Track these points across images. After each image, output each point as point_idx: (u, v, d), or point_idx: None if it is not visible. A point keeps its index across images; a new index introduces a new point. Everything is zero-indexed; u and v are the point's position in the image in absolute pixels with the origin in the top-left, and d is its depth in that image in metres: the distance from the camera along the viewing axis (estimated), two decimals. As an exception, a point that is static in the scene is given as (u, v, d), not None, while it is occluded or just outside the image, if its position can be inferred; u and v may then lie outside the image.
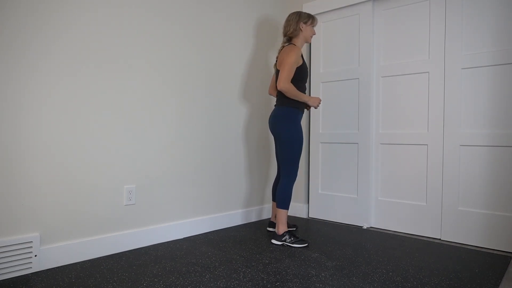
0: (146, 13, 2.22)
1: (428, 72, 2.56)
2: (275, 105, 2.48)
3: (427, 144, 2.57)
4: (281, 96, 2.42)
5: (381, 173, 2.80)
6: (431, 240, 2.48)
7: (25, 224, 1.74)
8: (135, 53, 2.16)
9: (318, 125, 3.13)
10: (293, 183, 2.39)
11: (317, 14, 3.10)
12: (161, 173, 2.32)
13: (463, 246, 2.35)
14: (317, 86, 3.13)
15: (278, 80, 2.30)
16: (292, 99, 2.36)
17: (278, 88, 2.30)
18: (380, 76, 2.81)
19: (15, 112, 1.70)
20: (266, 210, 3.13)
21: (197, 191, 2.55)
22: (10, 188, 1.69)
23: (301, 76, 2.38)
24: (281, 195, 2.35)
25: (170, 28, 2.35)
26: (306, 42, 2.51)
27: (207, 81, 2.60)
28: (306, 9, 3.13)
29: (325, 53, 3.10)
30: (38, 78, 1.77)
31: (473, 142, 2.36)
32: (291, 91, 2.29)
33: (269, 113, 3.15)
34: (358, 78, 2.89)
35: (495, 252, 2.24)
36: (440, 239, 2.51)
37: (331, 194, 3.04)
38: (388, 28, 2.77)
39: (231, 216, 2.79)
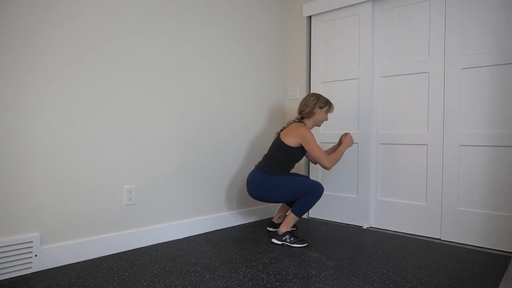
0: (145, 12, 2.21)
1: (428, 72, 2.57)
2: (258, 168, 2.42)
3: (427, 144, 2.57)
4: (268, 162, 2.40)
5: (381, 173, 2.80)
6: (431, 240, 2.48)
7: (25, 224, 1.74)
8: (135, 53, 2.16)
9: (317, 126, 3.12)
10: (320, 198, 2.34)
11: (317, 14, 3.10)
12: (161, 173, 2.32)
13: (463, 246, 2.35)
14: (317, 86, 3.13)
15: (321, 164, 2.35)
16: (278, 170, 2.38)
17: (328, 169, 2.38)
18: (380, 76, 2.81)
19: (15, 112, 1.70)
20: (266, 210, 3.13)
21: (197, 191, 2.55)
22: (10, 188, 1.69)
23: (297, 156, 2.43)
24: (303, 204, 2.30)
25: (170, 28, 2.35)
26: (316, 125, 2.55)
27: (207, 81, 2.60)
28: (306, 9, 3.13)
29: (325, 53, 3.10)
30: (37, 78, 1.77)
31: (473, 142, 2.36)
32: (335, 160, 2.38)
33: (269, 113, 3.15)
34: (358, 78, 2.89)
35: (495, 252, 2.24)
36: (440, 239, 2.51)
37: (331, 194, 3.04)
38: (388, 28, 2.77)
39: (231, 216, 2.80)
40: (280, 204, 2.65)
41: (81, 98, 1.93)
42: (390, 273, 1.81)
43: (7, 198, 1.68)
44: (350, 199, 2.92)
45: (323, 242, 2.37)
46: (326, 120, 2.55)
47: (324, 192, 3.08)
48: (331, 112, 2.57)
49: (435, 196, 2.52)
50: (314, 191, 2.30)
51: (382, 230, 2.74)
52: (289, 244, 2.26)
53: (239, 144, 2.87)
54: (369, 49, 2.83)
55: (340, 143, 2.56)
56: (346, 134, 2.53)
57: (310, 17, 3.20)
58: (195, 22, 2.50)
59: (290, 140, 2.37)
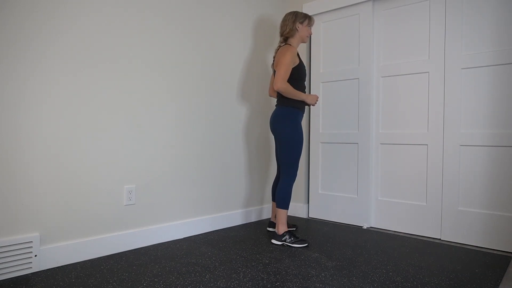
0: (146, 13, 2.21)
1: (428, 72, 2.56)
2: (275, 105, 2.49)
3: (427, 144, 2.57)
4: (280, 96, 2.43)
5: (381, 173, 2.80)
6: (431, 240, 2.48)
7: (25, 224, 1.74)
8: (135, 53, 2.16)
9: (318, 125, 3.13)
10: (293, 183, 2.39)
11: (317, 14, 3.10)
12: (161, 173, 2.32)
13: (463, 246, 2.35)
14: (317, 86, 3.13)
15: (274, 80, 2.30)
16: (292, 99, 2.37)
17: (275, 88, 2.30)
18: (380, 76, 2.81)
19: (15, 112, 1.70)
20: (266, 210, 3.13)
21: (197, 191, 2.55)
22: (10, 188, 1.69)
23: (299, 76, 2.39)
24: (281, 195, 2.35)
25: (170, 28, 2.35)
26: (302, 42, 2.51)
27: (207, 81, 2.60)
28: (306, 9, 3.13)
29: (325, 53, 3.10)
30: (38, 78, 1.77)
31: (473, 142, 2.36)
32: (288, 90, 2.29)
33: (269, 113, 3.15)
34: (358, 78, 2.89)
35: (495, 252, 2.24)
36: (440, 239, 2.51)
37: (331, 194, 3.04)
38: (388, 28, 2.77)
39: (231, 216, 2.79)
40: (274, 203, 2.65)
41: (81, 98, 1.93)
42: (390, 273, 1.81)
43: (7, 198, 1.68)
44: (350, 199, 2.92)
45: (323, 242, 2.37)
46: (311, 33, 2.51)
47: (324, 192, 3.09)
48: (312, 25, 2.52)
49: (435, 196, 2.52)
50: (291, 174, 2.35)
51: (382, 230, 2.74)
52: (289, 244, 2.26)
53: (239, 144, 2.87)
54: (369, 49, 2.82)
55: None
56: (313, 94, 2.47)
57: (310, 17, 3.20)
58: (193, 22, 2.50)
59: None
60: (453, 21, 2.45)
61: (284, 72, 2.28)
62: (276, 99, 2.50)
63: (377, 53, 2.83)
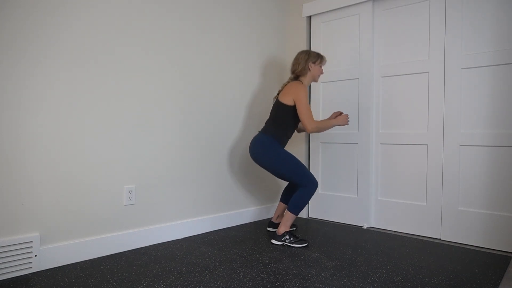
0: (146, 13, 2.22)
1: (428, 72, 2.57)
2: (260, 131, 2.46)
3: (427, 144, 2.57)
4: (270, 125, 2.42)
5: (381, 173, 2.80)
6: (431, 240, 2.48)
7: (25, 224, 1.74)
8: (135, 54, 2.16)
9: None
10: (313, 193, 2.33)
11: (317, 14, 3.10)
12: (161, 173, 2.32)
13: (463, 246, 2.35)
14: (317, 86, 3.13)
15: (302, 122, 2.32)
16: (281, 132, 2.38)
17: (308, 131, 2.33)
18: (380, 76, 2.81)
19: (15, 112, 1.70)
20: (266, 210, 3.13)
21: (197, 191, 2.55)
22: (10, 188, 1.69)
23: (296, 116, 2.41)
24: (297, 201, 2.31)
25: (171, 28, 2.35)
26: (314, 81, 2.54)
27: (207, 81, 2.60)
28: (306, 9, 3.13)
29: (325, 53, 3.10)
30: (38, 78, 1.77)
31: (473, 142, 2.36)
32: (320, 127, 2.34)
33: (268, 112, 3.14)
34: (358, 78, 2.89)
35: (495, 252, 2.24)
36: (440, 239, 2.51)
37: (331, 194, 3.04)
38: (388, 28, 2.77)
39: (231, 216, 2.80)
40: (277, 204, 2.66)
41: (81, 99, 1.93)
42: (390, 273, 1.81)
43: (7, 198, 1.68)
44: (350, 199, 2.92)
45: (323, 242, 2.36)
46: (322, 73, 2.54)
47: (324, 192, 3.09)
48: (324, 64, 2.55)
49: (435, 196, 2.52)
50: (309, 184, 2.30)
51: (382, 230, 2.74)
52: (289, 244, 2.26)
53: (239, 145, 2.87)
54: (369, 49, 2.82)
55: (332, 118, 2.55)
56: (341, 113, 2.52)
57: (310, 17, 3.20)
58: (194, 23, 2.50)
59: (288, 98, 2.36)
60: (453, 21, 2.45)
61: (307, 111, 2.31)
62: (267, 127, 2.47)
63: (377, 53, 2.83)
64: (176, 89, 2.40)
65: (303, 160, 3.18)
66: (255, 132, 3.01)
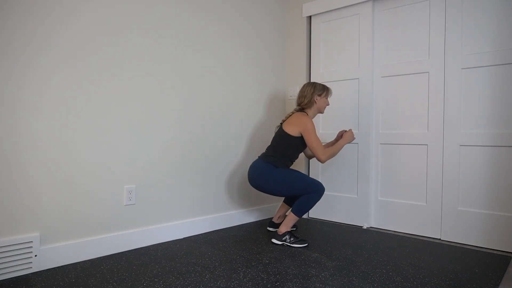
0: (147, 13, 2.21)
1: (428, 72, 2.56)
2: (261, 157, 2.44)
3: (427, 144, 2.57)
4: (271, 153, 2.42)
5: (381, 173, 2.80)
6: (431, 240, 2.48)
7: (25, 224, 1.74)
8: (135, 53, 2.16)
9: (318, 125, 3.13)
10: (320, 198, 2.33)
11: (317, 14, 3.10)
12: (161, 173, 2.32)
13: (463, 246, 2.35)
14: (317, 86, 3.13)
15: (316, 156, 2.34)
16: (282, 160, 2.39)
17: (322, 162, 2.36)
18: (380, 76, 2.81)
19: (15, 112, 1.70)
20: (266, 210, 3.13)
21: (197, 191, 2.55)
22: (10, 188, 1.69)
23: (300, 146, 2.42)
24: (303, 204, 2.31)
25: (171, 28, 2.35)
26: (320, 112, 2.55)
27: (207, 82, 2.60)
28: (306, 9, 3.13)
29: (325, 53, 3.10)
30: (38, 78, 1.77)
31: (473, 142, 2.36)
32: (332, 155, 2.37)
33: (269, 113, 3.15)
34: (358, 78, 2.89)
35: (495, 252, 2.24)
36: (440, 239, 2.51)
37: (331, 194, 3.04)
38: (388, 28, 2.77)
39: (231, 216, 2.79)
40: (280, 204, 2.66)
41: (81, 98, 1.93)
42: (390, 273, 1.81)
43: (7, 198, 1.68)
44: (350, 199, 2.92)
45: (323, 242, 2.36)
46: (328, 105, 2.55)
47: (324, 192, 3.08)
48: (330, 96, 2.58)
49: (435, 196, 2.52)
50: (315, 190, 2.30)
51: (382, 230, 2.74)
52: (289, 244, 2.26)
53: (239, 145, 2.87)
54: (369, 49, 2.82)
55: (338, 138, 2.58)
56: (347, 130, 2.54)
57: (310, 17, 3.20)
58: (194, 23, 2.50)
59: (293, 129, 2.37)
60: (453, 21, 2.45)
61: (318, 145, 2.33)
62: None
63: (377, 53, 2.83)
64: (176, 89, 2.40)
65: (303, 160, 3.18)
66: (255, 131, 3.01)
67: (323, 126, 3.10)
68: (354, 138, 2.52)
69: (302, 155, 3.14)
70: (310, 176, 3.17)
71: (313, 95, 2.45)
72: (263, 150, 3.09)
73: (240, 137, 2.87)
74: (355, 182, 2.91)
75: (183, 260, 1.97)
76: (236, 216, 2.84)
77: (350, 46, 2.94)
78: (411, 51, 2.66)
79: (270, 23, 3.13)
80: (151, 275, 1.74)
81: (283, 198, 2.75)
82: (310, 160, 3.17)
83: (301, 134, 2.38)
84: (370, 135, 2.82)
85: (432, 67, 2.54)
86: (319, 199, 2.34)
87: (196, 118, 2.53)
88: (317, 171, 3.13)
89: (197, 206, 2.55)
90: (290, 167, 2.37)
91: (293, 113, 2.49)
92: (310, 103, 2.47)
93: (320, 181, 3.11)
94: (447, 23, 2.48)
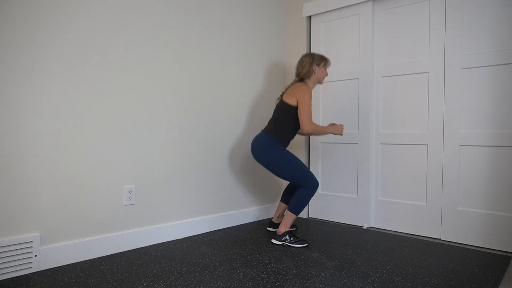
0: (147, 13, 2.22)
1: (428, 72, 2.57)
2: (263, 130, 2.47)
3: (427, 144, 2.57)
4: (273, 125, 2.42)
5: (381, 173, 2.80)
6: (431, 240, 2.48)
7: (25, 224, 1.74)
8: (135, 54, 2.16)
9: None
10: (314, 193, 2.34)
11: (317, 14, 3.10)
12: (161, 173, 2.32)
13: (463, 246, 2.35)
14: (317, 86, 3.13)
15: (301, 124, 2.32)
16: (283, 133, 2.39)
17: (304, 132, 2.32)
18: (380, 76, 2.81)
19: (15, 112, 1.70)
20: (266, 210, 3.13)
21: (197, 191, 2.55)
22: (10, 188, 1.69)
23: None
24: (298, 201, 2.32)
25: (172, 27, 2.35)
26: (318, 83, 2.55)
27: (207, 82, 2.60)
28: (306, 9, 3.13)
29: (325, 53, 3.10)
30: (38, 78, 1.77)
31: (473, 142, 2.36)
32: (317, 129, 2.34)
33: (269, 113, 3.15)
34: (358, 78, 2.89)
35: (495, 252, 2.24)
36: (440, 239, 2.51)
37: (331, 194, 3.04)
38: (388, 28, 2.77)
39: (231, 216, 2.80)
40: (278, 204, 2.66)
41: (81, 98, 1.93)
42: (390, 273, 1.81)
43: (7, 198, 1.68)
44: (350, 199, 2.92)
45: (323, 242, 2.36)
46: (327, 75, 2.54)
47: (324, 192, 3.09)
48: (329, 66, 2.56)
49: (435, 196, 2.52)
50: (310, 185, 2.31)
51: (382, 230, 2.74)
52: (289, 244, 2.26)
53: (238, 145, 2.87)
54: (369, 49, 2.82)
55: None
56: (339, 124, 2.50)
57: (310, 17, 3.20)
58: (193, 24, 2.50)
59: (292, 99, 2.37)
60: (453, 21, 2.45)
61: (308, 113, 2.31)
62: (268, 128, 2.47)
63: (377, 53, 2.83)
64: (176, 89, 2.40)
65: (303, 160, 3.18)
66: (255, 132, 3.01)
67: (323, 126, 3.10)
68: (341, 134, 2.46)
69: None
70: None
71: (311, 65, 2.45)
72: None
73: (240, 138, 2.87)
74: (355, 182, 2.91)
75: (183, 260, 1.97)
76: (236, 216, 2.84)
77: (350, 46, 2.94)
78: (411, 51, 2.66)
79: (270, 23, 3.13)
80: (151, 275, 1.74)
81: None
82: (310, 160, 3.17)
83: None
84: (370, 135, 2.82)
85: (432, 67, 2.54)
86: (313, 194, 2.34)
87: (197, 118, 2.53)
88: (317, 170, 3.13)
89: (197, 206, 2.55)
90: (293, 154, 2.37)
91: (292, 84, 2.49)
92: (309, 73, 2.46)
93: (320, 181, 3.12)
94: (447, 23, 2.48)
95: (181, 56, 2.42)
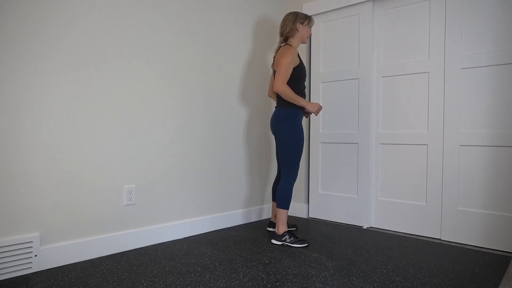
0: (146, 13, 2.21)
1: (428, 72, 2.57)
2: (275, 107, 2.48)
3: (427, 144, 2.57)
4: (280, 97, 2.43)
5: (381, 173, 2.80)
6: (431, 240, 2.48)
7: (25, 224, 1.74)
8: (135, 53, 2.16)
9: (318, 125, 3.13)
10: (294, 183, 2.38)
11: (317, 14, 3.10)
12: (161, 173, 2.32)
13: (463, 246, 2.35)
14: (317, 86, 3.13)
15: (274, 82, 2.29)
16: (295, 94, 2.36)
17: (274, 90, 2.29)
18: (380, 76, 2.81)
19: (15, 112, 1.70)
20: (266, 210, 3.13)
21: (197, 191, 2.55)
22: (10, 188, 1.69)
23: (299, 76, 2.38)
24: (281, 195, 2.34)
25: (170, 28, 2.35)
26: (302, 42, 2.51)
27: (207, 81, 2.60)
28: (306, 9, 3.13)
29: (325, 53, 3.10)
30: (38, 78, 1.77)
31: (473, 142, 2.36)
32: (288, 93, 2.28)
33: (270, 113, 3.15)
34: (358, 78, 2.89)
35: (495, 252, 2.24)
36: (440, 239, 2.51)
37: (331, 194, 3.04)
38: (388, 28, 2.77)
39: (231, 216, 2.79)
40: (274, 203, 2.66)
41: (81, 98, 1.93)
42: (390, 273, 1.81)
43: (7, 198, 1.68)
44: (350, 199, 2.92)
45: (323, 242, 2.37)
46: (311, 34, 2.52)
47: (324, 192, 3.09)
48: (312, 25, 2.53)
49: (435, 196, 2.52)
50: (291, 175, 2.35)
51: (382, 230, 2.74)
52: (289, 244, 2.26)
53: (239, 144, 2.87)
54: (369, 49, 2.82)
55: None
56: (316, 103, 2.46)
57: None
58: (194, 22, 2.50)
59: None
60: (453, 21, 2.45)
61: (284, 73, 2.27)
62: (276, 101, 2.50)
63: (377, 53, 2.83)
64: (175, 89, 2.40)
65: (303, 160, 3.18)
66: (256, 131, 3.01)
67: (324, 126, 3.10)
68: (315, 112, 2.39)
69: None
70: (311, 173, 3.17)
71: (295, 23, 2.42)
72: (263, 150, 3.10)
73: (240, 138, 2.87)
74: (355, 182, 2.91)
75: (183, 260, 1.97)
76: (236, 216, 2.84)
77: (350, 46, 2.94)
78: (411, 51, 2.66)
79: (270, 23, 3.13)
80: (151, 275, 1.74)
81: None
82: (310, 159, 3.17)
83: (293, 66, 2.32)
84: (370, 135, 2.82)
85: (432, 67, 2.54)
86: (293, 183, 2.37)
87: (197, 118, 2.53)
88: (317, 170, 3.13)
89: (197, 206, 2.55)
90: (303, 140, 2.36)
91: (279, 47, 2.47)
92: (292, 31, 2.43)
93: (320, 181, 3.12)
94: (447, 23, 2.48)
95: (181, 56, 2.42)
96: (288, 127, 2.34)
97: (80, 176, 1.93)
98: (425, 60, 2.58)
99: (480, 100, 2.35)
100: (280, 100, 2.43)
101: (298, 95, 2.39)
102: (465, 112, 2.41)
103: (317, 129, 3.13)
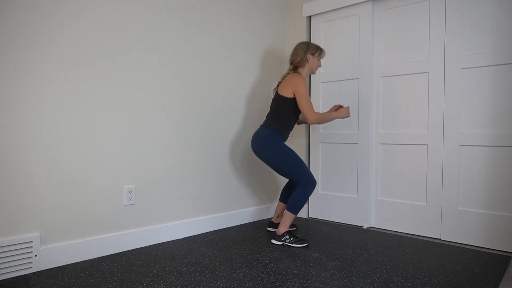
0: (146, 12, 2.22)
1: (428, 72, 2.57)
2: (261, 125, 2.47)
3: (427, 144, 2.57)
4: (271, 119, 2.43)
5: (381, 173, 2.80)
6: (431, 240, 2.48)
7: (25, 224, 1.74)
8: (135, 53, 2.16)
9: (318, 125, 3.13)
10: (311, 192, 2.34)
11: (317, 14, 3.10)
12: (161, 173, 2.32)
13: (463, 246, 2.35)
14: (317, 86, 3.13)
15: (305, 116, 2.31)
16: (282, 125, 2.39)
17: (309, 122, 2.33)
18: (380, 76, 2.81)
19: (15, 112, 1.70)
20: (266, 210, 3.13)
21: (197, 191, 2.55)
22: (10, 188, 1.69)
23: (296, 107, 2.40)
24: (295, 200, 2.31)
25: (172, 28, 2.35)
26: (311, 73, 2.54)
27: (207, 81, 2.60)
28: (306, 9, 3.13)
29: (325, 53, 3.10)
30: (38, 78, 1.77)
31: (473, 142, 2.36)
32: (321, 119, 2.33)
33: (269, 108, 3.14)
34: (358, 78, 2.89)
35: (495, 252, 2.24)
36: (440, 239, 2.51)
37: (331, 194, 3.04)
38: (388, 28, 2.77)
39: (231, 216, 2.80)
40: (277, 204, 2.66)
41: (81, 98, 1.93)
42: (390, 273, 1.81)
43: (7, 198, 1.68)
44: (350, 199, 2.92)
45: (323, 242, 2.37)
46: (320, 66, 2.54)
47: (324, 192, 3.09)
48: (323, 57, 2.56)
49: (435, 196, 2.52)
50: (307, 182, 2.31)
51: (382, 230, 2.74)
52: (289, 244, 2.26)
53: (238, 144, 2.87)
54: (369, 49, 2.82)
55: (332, 111, 2.54)
56: (341, 106, 2.52)
57: (310, 17, 3.20)
58: (192, 25, 2.50)
59: (287, 91, 2.36)
60: (453, 21, 2.45)
61: (307, 103, 2.31)
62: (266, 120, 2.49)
63: (377, 53, 2.83)
64: (175, 88, 2.40)
65: (303, 160, 3.17)
66: (255, 130, 3.00)
67: (323, 126, 3.10)
68: (348, 116, 2.46)
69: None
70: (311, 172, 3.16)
71: (306, 53, 2.44)
72: (263, 150, 3.10)
73: (240, 137, 2.87)
74: (355, 182, 2.91)
75: (183, 260, 1.97)
76: (236, 216, 2.84)
77: (350, 46, 2.94)
78: (411, 51, 2.66)
79: (270, 23, 3.13)
80: (151, 275, 1.74)
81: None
82: (310, 159, 3.17)
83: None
84: (370, 135, 2.82)
85: (432, 67, 2.54)
86: (311, 192, 2.34)
87: (197, 118, 2.53)
88: (317, 170, 3.13)
89: (197, 206, 2.55)
90: (293, 151, 2.37)
91: (287, 74, 2.48)
92: (303, 61, 2.45)
93: (320, 180, 3.12)
94: (447, 23, 2.48)
95: (180, 56, 2.42)
96: (272, 147, 2.35)
97: (80, 176, 1.93)
98: (425, 60, 2.58)
99: (480, 100, 2.35)
100: (270, 121, 2.42)
101: (289, 126, 2.43)
102: (465, 112, 2.41)
103: (317, 129, 3.13)
